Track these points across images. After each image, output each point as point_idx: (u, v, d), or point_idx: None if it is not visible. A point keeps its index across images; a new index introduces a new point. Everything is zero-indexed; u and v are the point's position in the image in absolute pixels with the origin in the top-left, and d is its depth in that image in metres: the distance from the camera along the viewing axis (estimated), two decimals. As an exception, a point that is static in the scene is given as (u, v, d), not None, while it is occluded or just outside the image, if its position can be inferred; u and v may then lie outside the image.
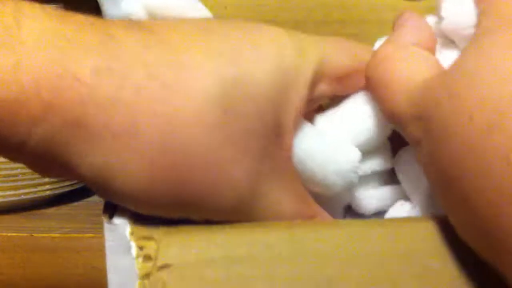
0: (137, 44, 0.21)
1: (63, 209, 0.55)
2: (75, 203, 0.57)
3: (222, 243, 0.22)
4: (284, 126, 0.23)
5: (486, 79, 0.20)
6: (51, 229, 0.48)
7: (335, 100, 0.28)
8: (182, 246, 0.22)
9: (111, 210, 0.23)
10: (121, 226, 0.23)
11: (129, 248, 0.22)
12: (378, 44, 0.29)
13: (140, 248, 0.22)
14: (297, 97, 0.23)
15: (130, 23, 0.23)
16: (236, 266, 0.22)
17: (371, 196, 0.28)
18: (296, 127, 0.24)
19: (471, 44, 0.22)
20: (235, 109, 0.21)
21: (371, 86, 0.25)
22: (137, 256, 0.22)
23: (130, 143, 0.21)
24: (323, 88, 0.25)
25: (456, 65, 0.21)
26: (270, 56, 0.23)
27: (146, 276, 0.22)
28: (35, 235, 0.47)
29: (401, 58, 0.25)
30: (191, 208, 0.22)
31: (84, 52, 0.20)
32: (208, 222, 0.23)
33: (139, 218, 0.23)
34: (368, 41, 0.31)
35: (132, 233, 0.22)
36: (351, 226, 0.24)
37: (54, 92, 0.20)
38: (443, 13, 0.26)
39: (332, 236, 0.23)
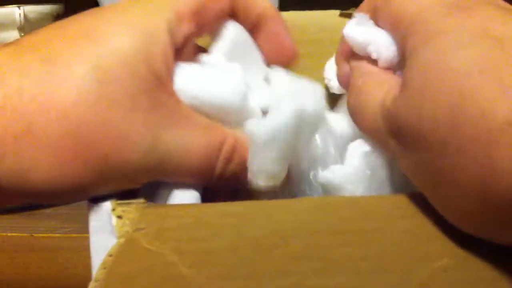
0: (9, 56, 0.24)
1: (63, 209, 0.55)
2: (75, 203, 0.56)
3: (194, 213, 0.25)
4: (160, 75, 0.25)
5: (430, 86, 0.22)
6: (51, 229, 0.48)
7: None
8: (158, 214, 0.25)
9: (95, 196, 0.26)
10: (104, 205, 0.26)
11: (111, 226, 0.24)
12: (328, 65, 0.34)
13: (119, 217, 0.25)
14: (161, 46, 0.25)
15: (8, 43, 0.26)
16: (204, 231, 0.24)
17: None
18: (177, 71, 0.27)
19: (408, 63, 0.24)
20: (108, 77, 0.24)
21: (353, 117, 0.29)
22: (117, 225, 0.24)
23: (31, 140, 0.23)
24: (186, 27, 0.27)
25: (403, 87, 0.24)
26: (123, 23, 0.25)
27: (122, 237, 0.24)
28: (35, 235, 0.47)
29: (369, 86, 0.28)
30: (110, 175, 0.25)
31: None
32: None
33: (121, 199, 0.26)
34: (321, 57, 0.36)
35: (113, 209, 0.25)
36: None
37: None
38: (374, 56, 0.28)
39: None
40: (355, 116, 0.28)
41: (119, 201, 0.25)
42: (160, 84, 0.25)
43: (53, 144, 0.23)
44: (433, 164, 0.22)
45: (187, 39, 0.28)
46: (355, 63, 0.30)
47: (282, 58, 0.32)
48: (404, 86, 0.24)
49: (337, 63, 0.32)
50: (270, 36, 0.32)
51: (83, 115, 0.23)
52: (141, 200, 0.26)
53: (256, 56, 0.32)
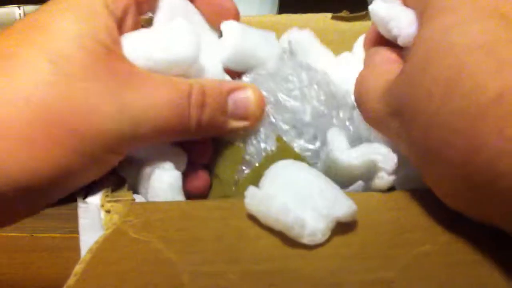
0: None
1: (63, 209, 0.55)
2: (75, 203, 0.57)
3: (182, 207, 0.26)
4: (107, 44, 0.26)
5: (431, 60, 0.22)
6: (51, 229, 0.48)
7: None
8: (146, 208, 0.25)
9: (85, 192, 0.27)
10: (93, 202, 0.27)
11: (100, 222, 0.24)
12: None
13: (108, 211, 0.25)
14: (101, 19, 0.27)
15: None
16: (191, 222, 0.25)
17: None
18: (124, 40, 0.28)
19: (415, 37, 0.25)
20: (59, 55, 0.24)
21: (358, 105, 0.29)
22: (105, 219, 0.25)
23: (1, 134, 0.23)
24: (121, 2, 0.28)
25: (406, 62, 0.24)
26: (63, 9, 0.26)
27: (110, 229, 0.24)
28: (35, 235, 0.47)
29: (372, 76, 0.28)
30: (89, 150, 0.25)
31: None
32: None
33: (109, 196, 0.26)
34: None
35: (102, 205, 0.26)
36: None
37: None
38: (395, 32, 0.28)
39: None
40: (359, 103, 0.29)
41: (108, 198, 0.26)
42: (109, 53, 0.26)
43: (24, 132, 0.23)
44: (425, 140, 0.22)
45: (125, 11, 0.28)
46: (370, 51, 0.31)
47: (225, 18, 0.33)
48: (407, 61, 0.24)
49: (364, 49, 0.33)
50: None
51: (44, 96, 0.24)
52: (130, 196, 0.26)
53: (199, 19, 0.32)
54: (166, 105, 0.27)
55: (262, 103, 0.30)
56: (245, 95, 0.29)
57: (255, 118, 0.30)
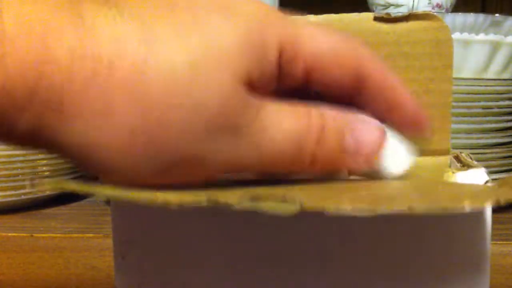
0: (105, 21, 0.21)
1: (63, 209, 0.55)
2: (75, 203, 0.57)
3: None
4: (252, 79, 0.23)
5: None
6: (51, 229, 0.49)
7: None
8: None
9: None
10: None
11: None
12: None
13: None
14: (259, 69, 0.23)
15: None
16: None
17: None
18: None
19: None
20: (202, 75, 0.22)
21: None
22: None
23: (108, 120, 0.21)
24: (294, 68, 0.24)
25: None
26: (237, 27, 0.22)
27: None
28: (35, 235, 0.47)
29: None
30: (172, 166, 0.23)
31: (60, 37, 0.20)
32: None
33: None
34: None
35: None
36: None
37: (37, 78, 0.20)
38: None
39: None
40: None
41: None
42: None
43: (128, 126, 0.22)
44: None
45: (290, 77, 0.24)
46: None
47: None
48: None
49: None
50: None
51: (165, 108, 0.22)
52: None
53: None
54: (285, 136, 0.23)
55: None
56: (370, 133, 0.25)
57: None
